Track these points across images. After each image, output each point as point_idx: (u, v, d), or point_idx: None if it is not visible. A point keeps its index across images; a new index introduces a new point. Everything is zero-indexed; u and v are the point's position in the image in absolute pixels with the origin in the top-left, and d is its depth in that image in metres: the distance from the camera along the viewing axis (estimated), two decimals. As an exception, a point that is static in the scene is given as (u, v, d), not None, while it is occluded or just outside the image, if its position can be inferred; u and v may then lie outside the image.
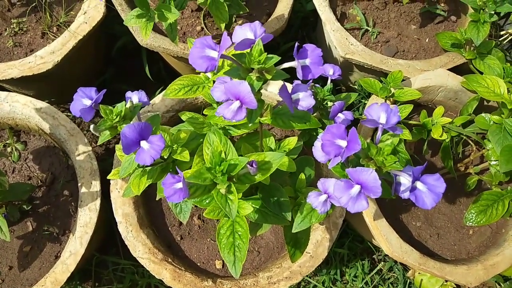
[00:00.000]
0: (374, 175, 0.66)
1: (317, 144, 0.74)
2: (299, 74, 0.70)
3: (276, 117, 0.83)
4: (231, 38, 0.67)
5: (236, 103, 0.68)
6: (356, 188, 0.68)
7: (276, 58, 0.68)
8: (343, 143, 0.70)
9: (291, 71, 0.73)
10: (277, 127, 0.90)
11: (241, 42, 0.66)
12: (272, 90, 1.28)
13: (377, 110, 0.75)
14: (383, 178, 0.73)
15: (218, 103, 0.99)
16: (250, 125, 0.78)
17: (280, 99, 0.79)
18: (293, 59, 0.71)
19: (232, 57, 0.70)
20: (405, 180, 0.71)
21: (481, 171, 1.29)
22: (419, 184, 0.72)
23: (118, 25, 1.65)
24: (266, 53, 0.67)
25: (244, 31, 0.69)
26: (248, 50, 0.68)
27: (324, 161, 0.74)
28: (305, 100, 0.76)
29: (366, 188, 0.68)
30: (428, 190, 0.71)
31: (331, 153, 0.71)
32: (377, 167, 0.73)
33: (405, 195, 0.71)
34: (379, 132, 0.75)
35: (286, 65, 0.72)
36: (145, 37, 1.14)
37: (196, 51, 0.68)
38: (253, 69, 0.69)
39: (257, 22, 0.70)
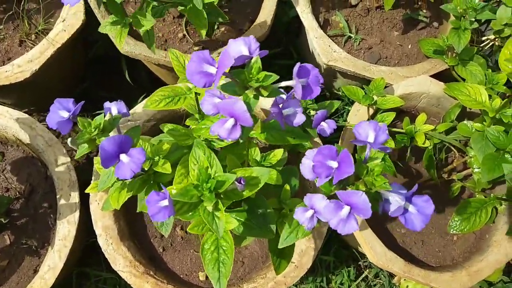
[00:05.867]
0: (364, 197, 0.66)
1: (305, 161, 0.73)
2: (298, 94, 0.67)
3: (266, 132, 0.81)
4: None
5: (231, 121, 0.65)
6: (346, 209, 0.68)
7: (274, 77, 0.66)
8: (334, 164, 0.70)
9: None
10: (268, 142, 0.89)
11: (237, 58, 0.64)
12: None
13: (366, 129, 0.75)
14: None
15: (201, 115, 0.97)
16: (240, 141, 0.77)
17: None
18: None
19: (229, 73, 0.68)
20: (393, 199, 0.71)
21: (464, 177, 1.29)
22: (409, 206, 0.72)
23: (98, 32, 1.62)
24: (265, 72, 0.66)
25: (238, 46, 0.67)
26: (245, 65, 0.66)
27: (311, 179, 0.73)
28: (297, 116, 0.75)
29: (356, 209, 0.67)
30: (417, 212, 0.71)
31: (322, 174, 0.70)
32: (367, 187, 0.72)
33: (394, 214, 0.71)
34: (368, 151, 0.75)
35: (283, 83, 0.70)
36: (119, 44, 1.12)
37: (194, 66, 0.65)
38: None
39: (251, 36, 0.67)
